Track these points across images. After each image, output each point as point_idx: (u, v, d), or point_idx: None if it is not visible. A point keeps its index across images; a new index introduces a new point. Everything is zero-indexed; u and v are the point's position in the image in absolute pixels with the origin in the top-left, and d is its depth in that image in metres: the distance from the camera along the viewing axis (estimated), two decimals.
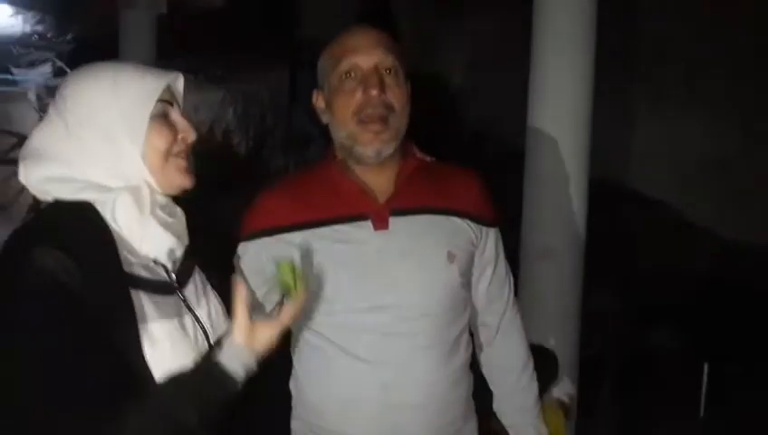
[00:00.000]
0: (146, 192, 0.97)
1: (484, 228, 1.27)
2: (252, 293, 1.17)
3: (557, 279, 2.24)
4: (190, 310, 1.01)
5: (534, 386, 1.38)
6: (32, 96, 9.72)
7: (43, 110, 9.44)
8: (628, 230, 4.76)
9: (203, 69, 6.95)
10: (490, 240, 1.29)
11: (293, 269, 1.02)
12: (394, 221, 1.19)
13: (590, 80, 2.24)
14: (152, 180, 0.98)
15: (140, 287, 0.94)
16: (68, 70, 7.87)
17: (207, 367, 0.94)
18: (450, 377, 1.22)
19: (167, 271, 0.99)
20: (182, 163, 1.01)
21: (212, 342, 1.01)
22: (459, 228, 1.23)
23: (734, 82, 4.60)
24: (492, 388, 1.38)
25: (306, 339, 1.23)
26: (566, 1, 2.20)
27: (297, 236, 1.18)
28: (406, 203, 1.20)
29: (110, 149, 0.95)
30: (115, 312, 0.89)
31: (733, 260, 4.54)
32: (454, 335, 1.23)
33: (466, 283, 1.26)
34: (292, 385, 1.29)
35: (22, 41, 7.41)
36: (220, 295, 1.09)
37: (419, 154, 1.31)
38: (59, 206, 0.94)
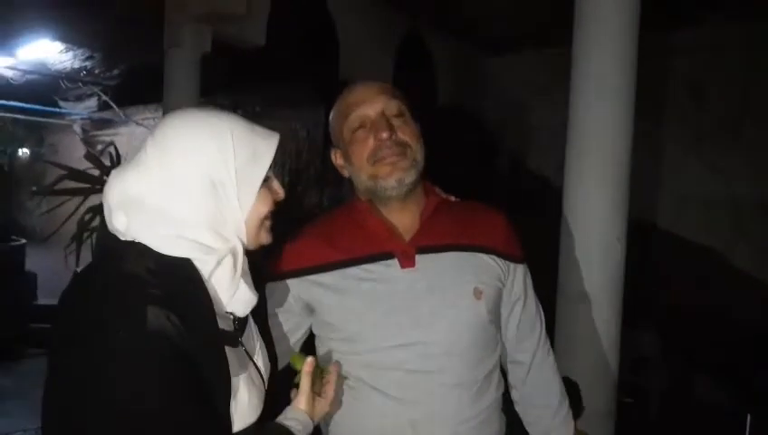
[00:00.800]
0: (240, 253, 0.98)
1: (512, 265, 1.28)
2: (279, 326, 1.25)
3: (594, 322, 2.19)
4: (251, 359, 1.03)
5: (570, 424, 1.36)
6: (77, 129, 10.08)
7: (87, 142, 9.77)
8: (667, 273, 4.66)
9: (241, 105, 7.13)
10: (518, 277, 1.29)
11: (304, 360, 1.11)
12: (420, 259, 1.20)
13: (630, 120, 2.22)
14: (246, 241, 0.99)
15: (227, 342, 0.95)
16: (112, 104, 8.15)
17: (277, 428, 1.01)
18: (480, 416, 1.21)
19: (234, 323, 0.99)
20: (270, 224, 1.05)
21: (266, 385, 1.05)
22: (486, 265, 1.24)
23: None
24: (527, 427, 1.37)
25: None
26: (605, 39, 2.20)
27: (326, 277, 1.21)
28: (431, 241, 1.22)
29: (218, 208, 0.94)
30: (215, 370, 0.89)
31: None
32: (483, 374, 1.22)
33: (495, 320, 1.26)
34: (321, 423, 1.29)
35: (70, 76, 7.70)
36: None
37: (442, 193, 1.34)
38: (161, 260, 0.90)
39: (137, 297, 0.85)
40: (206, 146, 0.94)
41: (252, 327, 1.08)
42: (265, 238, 1.04)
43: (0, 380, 4.67)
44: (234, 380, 0.93)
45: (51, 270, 4.92)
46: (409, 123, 1.23)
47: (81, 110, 9.22)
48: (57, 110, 9.31)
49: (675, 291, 4.58)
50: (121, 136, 8.82)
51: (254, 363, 1.04)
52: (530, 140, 5.64)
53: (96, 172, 3.22)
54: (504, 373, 1.33)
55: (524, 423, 1.36)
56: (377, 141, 1.19)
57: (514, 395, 1.36)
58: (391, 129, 1.18)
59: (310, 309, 1.26)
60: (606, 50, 2.18)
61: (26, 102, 8.70)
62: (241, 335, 1.01)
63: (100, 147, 8.20)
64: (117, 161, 3.26)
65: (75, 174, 3.24)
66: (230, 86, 5.87)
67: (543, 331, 1.35)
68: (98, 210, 3.11)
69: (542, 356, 1.34)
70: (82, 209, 3.11)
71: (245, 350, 1.02)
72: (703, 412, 3.94)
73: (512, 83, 5.87)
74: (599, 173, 2.21)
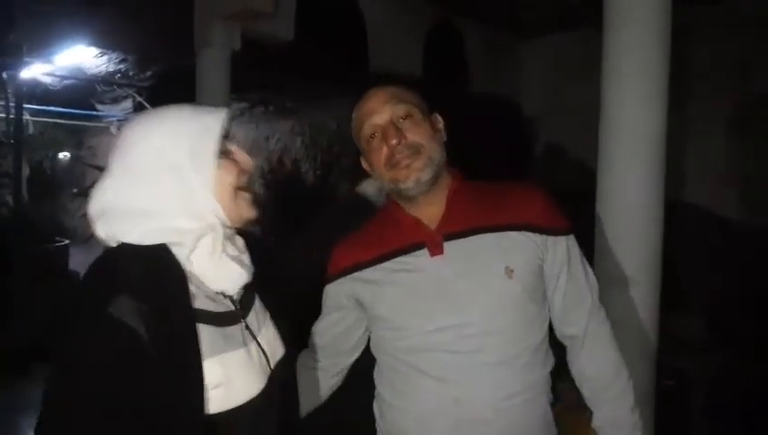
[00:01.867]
0: (220, 230, 1.00)
1: (551, 238, 1.27)
2: (334, 326, 1.41)
3: (632, 306, 2.16)
4: (254, 338, 1.05)
5: (628, 399, 1.33)
6: (114, 130, 10.31)
7: None
8: (711, 257, 4.56)
9: (273, 101, 7.19)
10: (559, 249, 1.28)
11: None
12: (448, 245, 1.26)
13: (664, 99, 2.17)
14: (224, 216, 1.01)
15: (208, 322, 0.97)
16: (147, 105, 8.31)
17: None
18: (526, 393, 1.23)
19: (233, 302, 1.03)
20: (249, 196, 1.06)
21: (272, 366, 1.07)
22: (517, 242, 1.25)
23: None
24: (585, 402, 1.36)
25: (384, 362, 1.35)
26: (637, 15, 2.15)
27: (367, 273, 1.31)
28: (457, 226, 1.27)
29: (182, 190, 0.97)
30: (183, 352, 0.91)
31: None
32: (527, 350, 1.24)
33: (536, 296, 1.27)
34: (375, 407, 1.39)
35: (106, 79, 7.87)
36: (273, 313, 1.15)
37: (469, 182, 1.37)
38: (134, 250, 0.95)
39: (107, 291, 0.90)
40: (153, 136, 0.99)
41: (257, 308, 1.10)
42: (246, 211, 1.05)
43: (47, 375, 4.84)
44: (221, 357, 0.95)
45: None
46: (420, 123, 1.28)
47: (117, 112, 9.43)
48: (94, 113, 9.54)
49: (720, 275, 4.48)
50: None
51: (258, 343, 1.05)
52: (564, 123, 5.56)
53: None
54: (557, 350, 1.34)
55: (585, 400, 1.36)
56: (388, 149, 1.26)
57: (572, 371, 1.36)
58: (400, 134, 1.25)
59: (360, 304, 1.36)
60: (638, 27, 2.14)
61: (65, 107, 8.95)
62: (243, 314, 1.04)
63: None
64: None
65: None
66: (261, 83, 5.92)
67: (595, 302, 1.33)
68: None
69: (594, 327, 1.33)
70: None
71: (248, 328, 1.04)
72: (747, 399, 3.85)
73: (543, 67, 5.80)
74: (633, 154, 2.17)
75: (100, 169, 3.36)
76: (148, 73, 7.57)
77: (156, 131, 0.99)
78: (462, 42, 5.55)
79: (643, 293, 2.17)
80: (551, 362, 1.31)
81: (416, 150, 1.25)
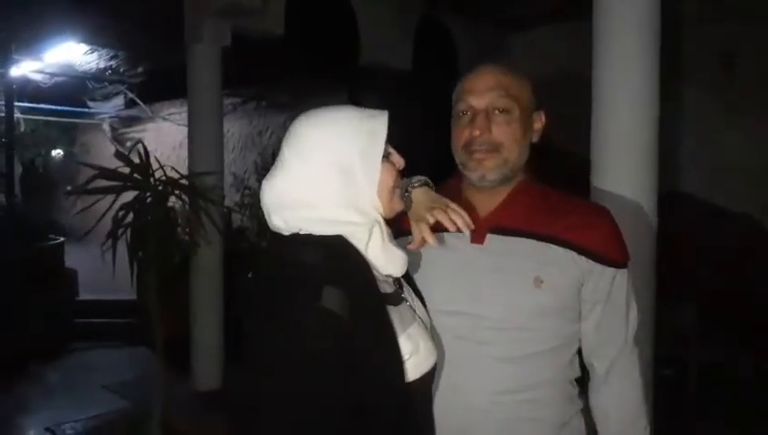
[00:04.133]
0: (383, 223, 1.12)
1: (599, 266, 1.24)
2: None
3: None
4: (414, 311, 1.17)
5: None
6: (106, 127, 10.27)
7: (116, 139, 9.94)
8: (704, 246, 4.58)
9: (266, 96, 7.18)
10: (604, 279, 1.25)
11: None
12: (491, 238, 1.26)
13: (655, 90, 2.18)
14: (383, 211, 1.13)
15: (390, 302, 1.09)
16: (139, 101, 8.28)
17: None
18: (531, 391, 1.23)
19: (398, 283, 1.16)
20: (399, 192, 1.16)
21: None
22: (559, 258, 1.23)
23: None
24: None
25: None
26: (627, 10, 2.16)
27: (404, 241, 1.27)
28: (506, 223, 1.26)
29: (351, 188, 1.08)
30: (381, 332, 1.03)
31: None
32: (540, 352, 1.23)
33: (565, 312, 1.25)
34: None
35: (96, 76, 7.83)
36: None
37: (540, 186, 1.34)
38: (322, 242, 1.06)
39: (313, 283, 1.00)
40: (331, 138, 1.08)
41: (406, 285, 1.20)
42: (398, 205, 1.16)
43: (47, 374, 4.84)
44: (409, 331, 1.07)
45: (90, 266, 5.06)
46: (513, 122, 1.25)
47: (108, 108, 9.39)
48: (86, 110, 9.49)
49: (714, 264, 4.51)
50: (149, 132, 8.96)
51: (419, 316, 1.17)
52: (554, 116, 5.57)
53: (126, 170, 3.28)
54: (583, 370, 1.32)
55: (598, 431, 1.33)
56: (471, 135, 1.25)
57: (591, 401, 1.33)
58: (488, 126, 1.24)
59: None
60: (628, 20, 2.15)
61: (56, 105, 8.90)
62: (402, 293, 1.16)
63: (129, 144, 8.34)
64: (146, 158, 3.31)
65: (106, 173, 3.30)
66: (253, 78, 5.90)
67: (629, 341, 1.30)
68: (131, 207, 3.17)
69: (622, 366, 1.29)
70: (115, 207, 3.18)
71: (409, 304, 1.16)
72: (744, 386, 3.89)
73: (531, 61, 5.80)
74: (626, 146, 2.19)
75: (93, 167, 3.31)
76: (139, 69, 7.54)
77: (331, 132, 1.08)
78: (451, 36, 5.55)
79: (639, 284, 2.19)
80: (575, 370, 1.29)
81: (494, 148, 1.24)
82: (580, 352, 1.32)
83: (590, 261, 1.23)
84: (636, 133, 2.19)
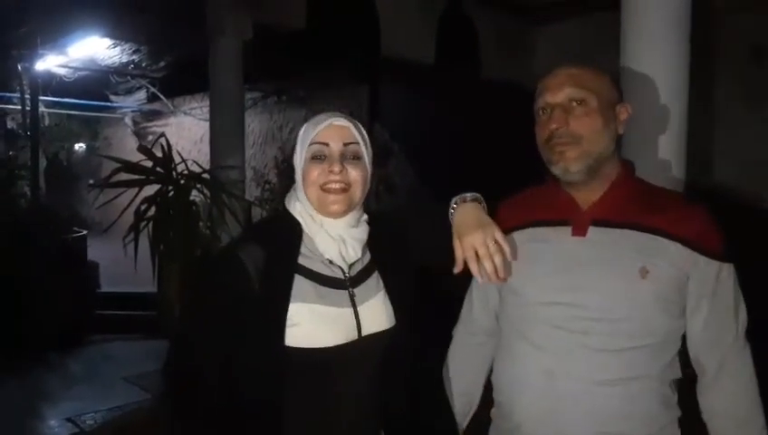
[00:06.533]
0: (313, 211, 1.26)
1: (703, 258, 1.21)
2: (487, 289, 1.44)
3: None
4: (354, 305, 1.24)
5: None
6: (128, 121, 10.38)
7: (138, 133, 10.04)
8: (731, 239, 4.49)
9: (286, 91, 7.18)
10: (709, 273, 1.22)
11: None
12: (593, 231, 1.26)
13: (685, 82, 2.13)
14: (312, 203, 1.25)
15: (309, 277, 1.22)
16: (160, 96, 8.34)
17: None
18: (627, 383, 1.20)
19: (344, 272, 1.25)
20: (326, 195, 1.24)
21: (362, 334, 1.23)
22: (663, 248, 1.21)
23: None
24: None
25: (501, 326, 1.39)
26: (657, 2, 2.12)
27: (509, 236, 1.32)
28: (608, 216, 1.26)
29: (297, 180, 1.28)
30: (276, 290, 1.18)
31: None
32: (639, 346, 1.21)
33: (668, 306, 1.22)
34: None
35: (119, 70, 7.90)
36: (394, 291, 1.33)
37: (638, 180, 1.34)
38: (282, 213, 1.31)
39: (240, 236, 1.32)
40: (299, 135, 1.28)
41: (370, 284, 1.28)
42: (327, 203, 1.24)
43: (68, 365, 4.90)
44: (309, 305, 1.19)
45: (112, 259, 5.11)
46: (592, 113, 1.26)
47: (131, 103, 9.47)
48: (109, 104, 9.58)
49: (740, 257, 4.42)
50: (170, 126, 9.03)
51: (356, 310, 1.24)
52: None
53: (149, 164, 3.30)
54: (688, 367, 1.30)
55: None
56: (550, 130, 1.27)
57: (701, 403, 1.29)
58: (564, 120, 1.26)
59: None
60: (657, 8, 2.10)
61: (79, 99, 9.00)
62: (350, 284, 1.25)
63: (150, 138, 8.41)
64: (168, 152, 3.32)
65: (129, 166, 3.32)
66: (274, 73, 5.91)
67: (739, 337, 1.26)
68: (153, 200, 3.19)
69: (733, 363, 1.25)
70: (138, 200, 3.19)
71: (352, 296, 1.24)
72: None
73: (556, 53, 5.73)
74: (654, 139, 2.14)
75: (116, 161, 3.34)
76: (161, 64, 7.58)
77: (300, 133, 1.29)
78: (474, 28, 5.49)
79: None
80: (675, 370, 1.26)
81: (575, 140, 1.24)
82: (681, 354, 1.28)
83: (695, 253, 1.21)
84: (664, 126, 2.14)
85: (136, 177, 3.28)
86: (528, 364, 1.27)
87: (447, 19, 5.25)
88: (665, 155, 2.14)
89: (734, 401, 1.26)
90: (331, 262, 1.24)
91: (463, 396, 1.49)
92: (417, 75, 5.33)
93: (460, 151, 5.26)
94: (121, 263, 3.54)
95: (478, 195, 1.35)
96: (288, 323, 1.16)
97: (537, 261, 1.29)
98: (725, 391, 1.26)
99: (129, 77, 8.27)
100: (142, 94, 8.92)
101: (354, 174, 1.24)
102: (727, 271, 1.25)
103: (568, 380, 1.22)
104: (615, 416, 1.21)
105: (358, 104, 6.09)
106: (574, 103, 1.26)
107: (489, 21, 5.57)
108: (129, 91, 8.97)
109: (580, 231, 1.26)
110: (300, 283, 1.20)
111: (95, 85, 8.44)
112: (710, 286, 1.23)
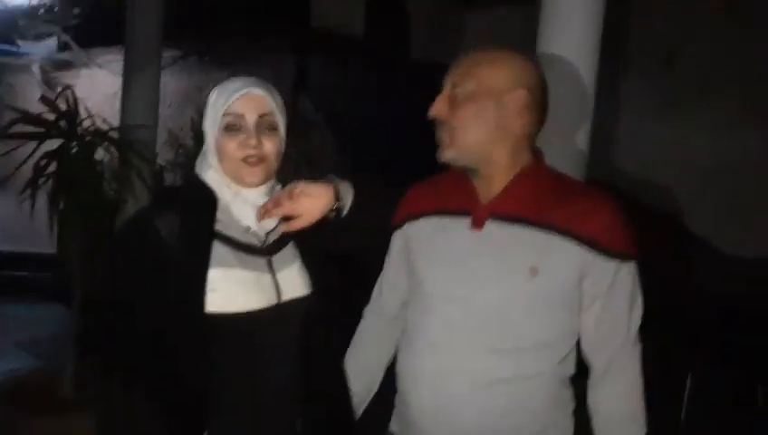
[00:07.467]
0: (230, 181, 1.28)
1: (601, 257, 1.20)
2: (398, 268, 1.46)
3: None
4: (272, 271, 1.27)
5: None
6: (35, 69, 9.70)
7: (47, 83, 9.43)
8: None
9: (209, 52, 6.91)
10: (607, 272, 1.21)
11: None
12: (490, 225, 1.25)
13: (592, 81, 2.19)
14: (226, 172, 1.27)
15: (227, 243, 1.23)
16: (73, 44, 7.84)
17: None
18: (516, 383, 1.21)
19: (260, 240, 1.29)
20: (243, 167, 1.26)
21: (282, 299, 1.27)
22: (558, 247, 1.19)
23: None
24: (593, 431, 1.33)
25: (405, 314, 1.41)
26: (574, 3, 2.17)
27: (414, 224, 1.37)
28: (507, 210, 1.24)
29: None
30: (194, 254, 1.19)
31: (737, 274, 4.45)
32: (529, 346, 1.22)
33: (561, 304, 1.23)
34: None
35: (28, 13, 7.37)
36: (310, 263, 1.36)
37: (546, 172, 1.32)
38: (189, 179, 1.40)
39: (151, 202, 1.37)
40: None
41: (287, 253, 1.32)
42: (239, 178, 1.27)
43: None
44: (228, 270, 1.20)
45: (6, 216, 4.79)
46: (464, 103, 1.24)
47: (40, 49, 8.87)
48: (14, 49, 8.94)
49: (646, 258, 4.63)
50: (82, 79, 8.52)
51: (274, 275, 1.27)
52: None
53: (52, 117, 3.09)
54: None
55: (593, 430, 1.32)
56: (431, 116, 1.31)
57: (588, 397, 1.32)
58: (440, 109, 1.27)
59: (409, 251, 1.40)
60: (573, 7, 2.15)
61: None
62: (267, 252, 1.28)
63: (59, 89, 7.91)
64: (74, 106, 3.12)
65: (29, 118, 3.10)
66: (197, 31, 5.67)
67: (630, 338, 1.26)
68: (54, 156, 3.00)
69: (618, 368, 1.26)
70: (38, 154, 3.00)
71: (269, 262, 1.28)
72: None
73: (484, 39, 5.80)
74: (559, 132, 2.20)
75: (16, 110, 3.11)
76: (75, 11, 7.14)
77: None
78: (405, 7, 5.49)
79: None
80: (568, 367, 1.28)
81: (449, 130, 1.25)
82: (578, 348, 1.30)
83: (592, 251, 1.20)
84: (570, 121, 2.20)
85: (37, 129, 3.07)
86: (425, 359, 1.28)
87: None
88: (569, 149, 2.20)
89: (618, 401, 1.28)
90: (246, 230, 1.26)
91: (363, 376, 1.49)
92: (346, 49, 5.27)
93: (385, 129, 5.27)
94: (18, 219, 3.33)
95: (348, 182, 1.39)
96: (207, 288, 1.17)
97: (437, 252, 1.29)
98: (610, 391, 1.28)
99: (39, 22, 7.74)
100: (53, 42, 8.37)
101: (269, 145, 1.24)
102: (626, 270, 1.24)
103: (460, 378, 1.22)
104: (505, 415, 1.22)
105: (284, 74, 5.95)
106: (457, 90, 1.25)
107: (420, 1, 5.57)
108: (39, 37, 8.40)
109: (477, 225, 1.25)
110: (218, 249, 1.21)
111: (0, 27, 7.84)
112: (605, 286, 1.23)
